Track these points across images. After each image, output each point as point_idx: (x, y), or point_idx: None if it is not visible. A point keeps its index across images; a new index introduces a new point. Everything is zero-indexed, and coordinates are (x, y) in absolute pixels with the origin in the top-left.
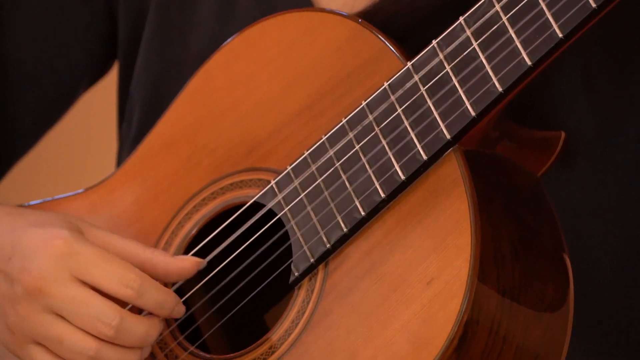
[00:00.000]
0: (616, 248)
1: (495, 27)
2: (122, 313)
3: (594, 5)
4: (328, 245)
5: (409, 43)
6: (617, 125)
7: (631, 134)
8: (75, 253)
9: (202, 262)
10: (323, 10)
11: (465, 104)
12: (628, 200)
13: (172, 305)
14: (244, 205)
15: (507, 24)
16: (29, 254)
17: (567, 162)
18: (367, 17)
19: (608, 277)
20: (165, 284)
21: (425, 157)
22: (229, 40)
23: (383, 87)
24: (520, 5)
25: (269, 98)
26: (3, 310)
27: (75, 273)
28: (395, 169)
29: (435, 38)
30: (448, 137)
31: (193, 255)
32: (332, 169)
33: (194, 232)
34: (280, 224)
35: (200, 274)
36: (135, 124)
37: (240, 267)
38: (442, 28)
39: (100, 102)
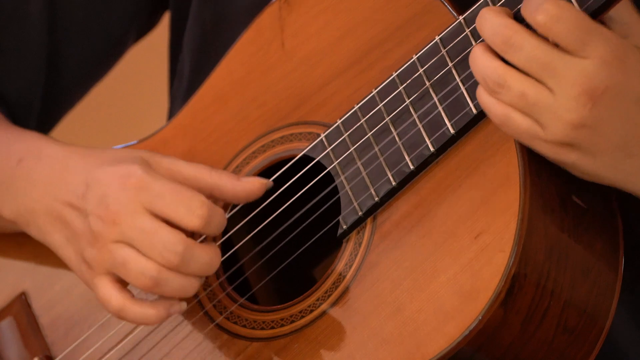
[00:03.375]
0: None
1: None
2: (188, 242)
3: None
4: (376, 199)
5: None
6: None
7: None
8: (146, 187)
9: (268, 183)
10: None
11: None
12: None
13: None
14: (294, 158)
15: None
16: (103, 190)
17: None
18: None
19: None
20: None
21: (475, 112)
22: None
23: (434, 40)
24: None
25: (318, 51)
26: (79, 244)
27: (146, 205)
28: (446, 124)
29: None
30: None
31: (243, 207)
32: (382, 123)
33: None
34: (329, 177)
35: (250, 227)
36: (186, 77)
37: (290, 221)
38: None
39: (152, 58)
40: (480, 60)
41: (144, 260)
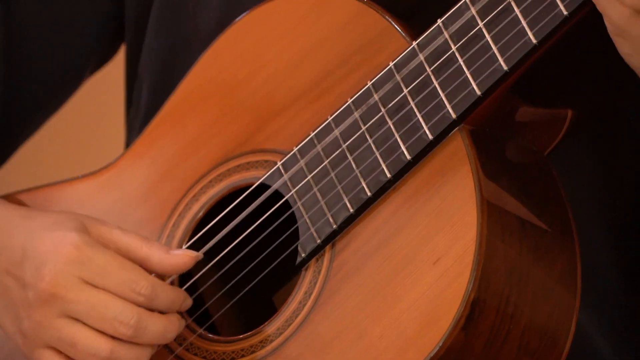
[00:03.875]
0: (615, 227)
1: (502, 5)
2: (140, 312)
3: None
4: (335, 226)
5: (415, 21)
6: (619, 102)
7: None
8: (86, 259)
9: (197, 256)
10: None
11: (471, 83)
12: (628, 179)
13: (181, 301)
14: (251, 186)
15: (513, 2)
16: (41, 259)
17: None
18: None
19: (609, 254)
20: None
21: (431, 137)
22: (237, 19)
23: (388, 67)
24: None
25: (275, 77)
26: (16, 315)
27: (87, 279)
28: (402, 149)
29: (441, 17)
30: (454, 116)
31: (200, 237)
32: (338, 150)
33: (201, 214)
34: (287, 205)
35: (208, 257)
36: (143, 106)
37: (247, 249)
38: (448, 5)
39: (107, 87)
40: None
41: (94, 338)
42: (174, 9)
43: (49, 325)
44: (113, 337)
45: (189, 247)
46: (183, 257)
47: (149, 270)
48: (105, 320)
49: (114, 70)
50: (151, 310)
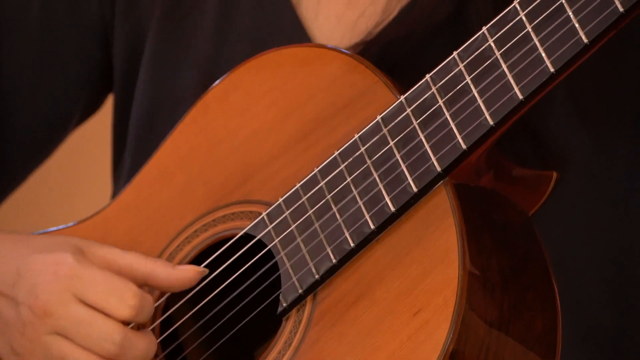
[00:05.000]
0: (603, 269)
1: (489, 61)
2: (125, 330)
3: (586, 40)
4: (317, 277)
5: (404, 71)
6: (607, 144)
7: (620, 154)
8: (77, 276)
9: (203, 271)
10: (319, 45)
11: (456, 137)
12: (615, 221)
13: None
14: (236, 236)
15: (499, 58)
16: (34, 279)
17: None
18: (363, 47)
19: (596, 299)
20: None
21: (415, 190)
22: (226, 74)
23: (376, 120)
24: (513, 41)
25: (264, 129)
26: (9, 334)
27: (77, 295)
28: (386, 201)
29: (429, 65)
30: (439, 169)
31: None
32: (323, 200)
33: (185, 263)
34: (270, 254)
35: (190, 303)
36: (130, 156)
37: (229, 298)
38: (436, 55)
39: (95, 137)
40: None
41: (84, 354)
42: (162, 64)
43: (39, 342)
44: (100, 355)
45: (170, 296)
46: (189, 272)
47: (154, 285)
48: (91, 338)
49: (102, 120)
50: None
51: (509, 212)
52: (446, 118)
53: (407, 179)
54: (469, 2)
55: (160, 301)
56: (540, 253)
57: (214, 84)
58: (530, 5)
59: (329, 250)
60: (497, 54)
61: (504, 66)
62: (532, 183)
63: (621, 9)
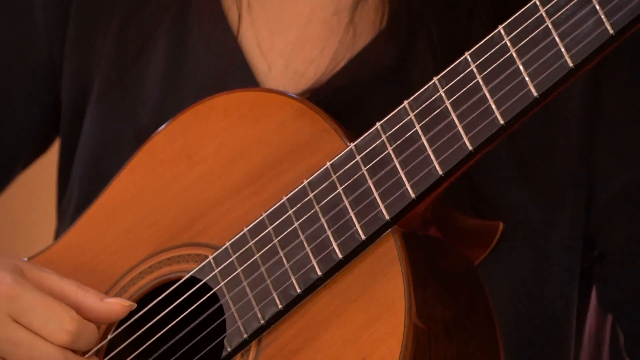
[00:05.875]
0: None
1: (438, 110)
2: (66, 353)
3: (535, 94)
4: (262, 322)
5: (353, 117)
6: (552, 205)
7: (566, 215)
8: (15, 297)
9: (131, 305)
10: (268, 90)
11: (405, 185)
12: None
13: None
14: (181, 279)
15: (449, 108)
16: None
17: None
18: (312, 93)
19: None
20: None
21: (363, 237)
22: (175, 116)
23: (325, 166)
24: (463, 91)
25: (212, 173)
26: None
27: (15, 317)
28: (333, 248)
29: (376, 114)
30: (387, 217)
31: (126, 328)
32: (270, 245)
33: None
34: (216, 298)
35: (134, 347)
36: (75, 197)
37: (172, 341)
38: (384, 102)
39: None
40: None
41: None
42: (111, 105)
43: None
44: None
45: (114, 338)
46: (116, 305)
47: (83, 315)
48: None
49: (48, 160)
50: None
51: (456, 261)
52: (395, 166)
53: (355, 226)
54: (410, 56)
55: (103, 343)
56: (485, 302)
57: (162, 127)
58: (481, 58)
59: (274, 295)
60: (447, 103)
61: (453, 116)
62: (478, 233)
63: (571, 64)
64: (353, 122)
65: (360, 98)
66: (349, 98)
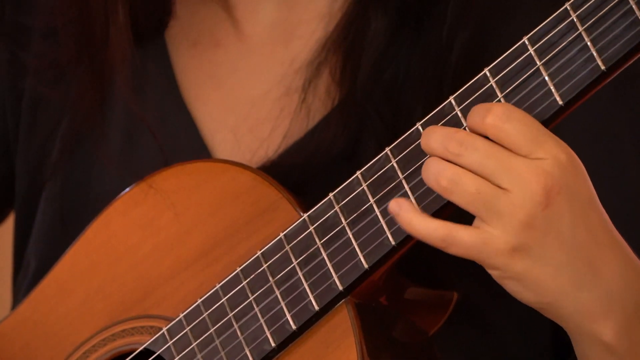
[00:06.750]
0: None
1: (391, 179)
2: None
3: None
4: None
5: (305, 195)
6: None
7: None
8: None
9: None
10: (223, 160)
11: (358, 256)
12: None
13: None
14: (134, 352)
15: (402, 178)
16: None
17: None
18: (264, 171)
19: None
20: None
21: (317, 308)
22: (129, 187)
23: (279, 237)
24: (417, 164)
25: (165, 245)
26: None
27: None
28: (287, 319)
29: (331, 190)
30: (340, 288)
31: None
32: (225, 317)
33: None
34: None
35: None
36: (32, 271)
37: None
38: (336, 181)
39: None
40: (433, 164)
41: None
42: (68, 176)
43: None
44: None
45: None
46: None
47: None
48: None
49: (3, 233)
50: None
51: (410, 331)
52: (349, 237)
53: (309, 297)
54: (361, 141)
55: None
56: None
57: (116, 198)
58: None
59: None
60: (399, 172)
61: (406, 187)
62: (433, 303)
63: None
64: (305, 198)
65: (311, 176)
66: (300, 176)
